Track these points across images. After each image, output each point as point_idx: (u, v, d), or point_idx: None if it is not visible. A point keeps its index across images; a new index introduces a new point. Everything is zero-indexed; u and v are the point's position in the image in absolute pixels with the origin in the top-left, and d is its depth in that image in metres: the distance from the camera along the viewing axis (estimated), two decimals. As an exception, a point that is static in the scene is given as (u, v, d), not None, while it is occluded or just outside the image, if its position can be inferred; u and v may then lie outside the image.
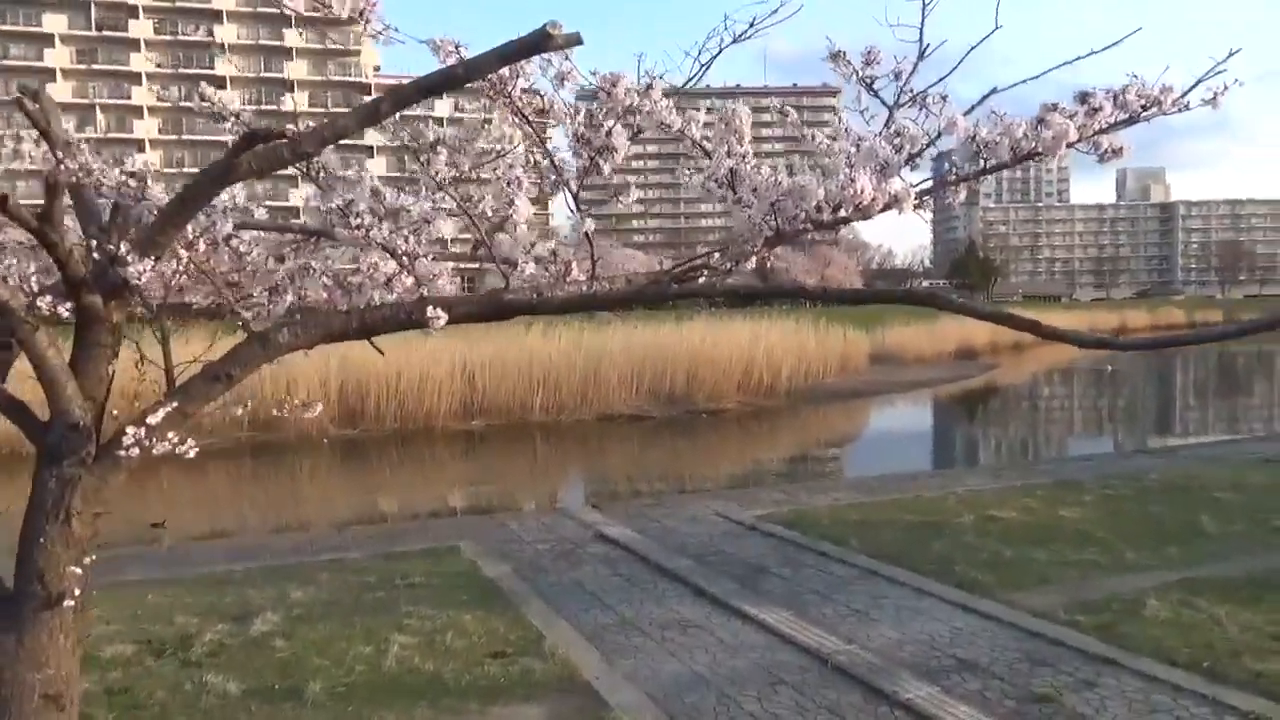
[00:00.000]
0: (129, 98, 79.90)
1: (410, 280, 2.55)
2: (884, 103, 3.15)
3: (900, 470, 15.04)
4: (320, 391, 22.60)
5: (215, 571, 8.88)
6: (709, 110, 2.93)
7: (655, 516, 10.88)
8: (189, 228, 2.85)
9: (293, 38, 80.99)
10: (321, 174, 2.94)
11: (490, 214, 2.64)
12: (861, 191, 2.57)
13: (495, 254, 2.51)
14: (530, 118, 2.75)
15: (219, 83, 67.07)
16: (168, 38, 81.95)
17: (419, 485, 17.21)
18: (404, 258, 2.49)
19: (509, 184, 2.73)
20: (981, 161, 2.74)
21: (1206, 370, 45.95)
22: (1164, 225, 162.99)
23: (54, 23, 78.67)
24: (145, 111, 79.85)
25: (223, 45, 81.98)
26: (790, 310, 36.86)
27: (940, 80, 2.97)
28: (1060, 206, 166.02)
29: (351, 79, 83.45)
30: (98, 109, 75.51)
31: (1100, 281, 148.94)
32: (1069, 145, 2.71)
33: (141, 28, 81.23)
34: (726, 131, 2.79)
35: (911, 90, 2.96)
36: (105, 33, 79.34)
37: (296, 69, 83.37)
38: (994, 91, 3.02)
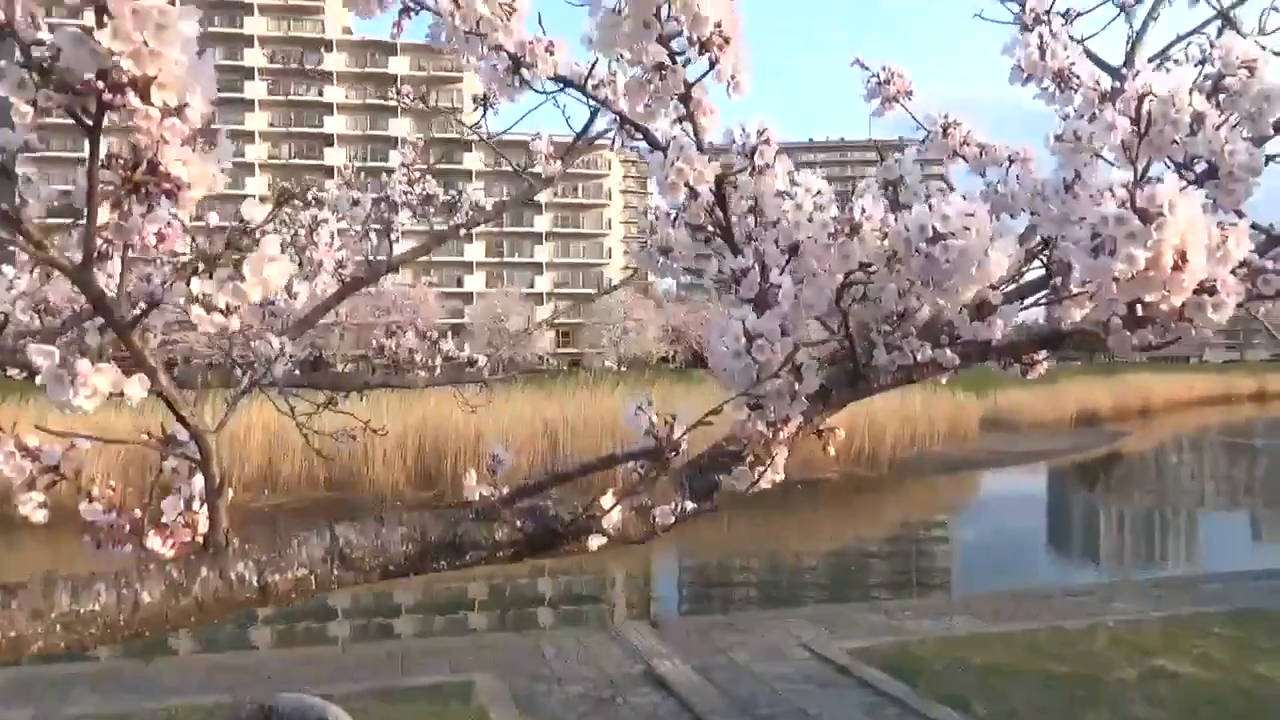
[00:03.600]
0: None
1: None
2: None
3: (1027, 577, 12.56)
4: (397, 451, 21.60)
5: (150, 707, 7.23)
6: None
7: (725, 645, 8.80)
8: None
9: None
10: None
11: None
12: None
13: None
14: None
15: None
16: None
17: (469, 570, 15.42)
18: None
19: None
20: None
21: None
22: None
23: None
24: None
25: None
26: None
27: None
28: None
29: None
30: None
31: (1233, 342, 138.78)
32: None
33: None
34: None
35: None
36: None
37: (257, 24, 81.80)
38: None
